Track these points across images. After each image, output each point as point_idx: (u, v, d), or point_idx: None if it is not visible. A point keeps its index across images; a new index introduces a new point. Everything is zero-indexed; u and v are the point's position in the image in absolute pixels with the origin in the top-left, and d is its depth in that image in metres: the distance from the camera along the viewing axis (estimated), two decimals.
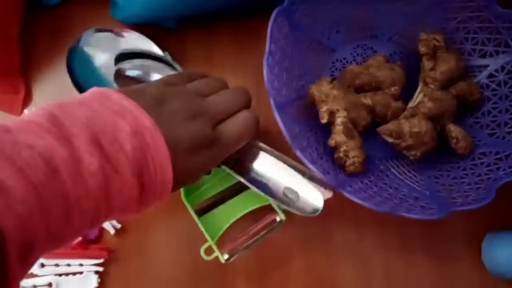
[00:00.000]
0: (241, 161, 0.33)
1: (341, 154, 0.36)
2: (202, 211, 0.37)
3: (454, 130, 0.38)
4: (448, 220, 0.39)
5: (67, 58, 0.37)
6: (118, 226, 0.38)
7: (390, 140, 0.37)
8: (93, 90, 0.25)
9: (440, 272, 0.38)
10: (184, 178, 0.26)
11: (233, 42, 0.42)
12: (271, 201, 0.35)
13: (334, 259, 0.38)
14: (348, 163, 0.36)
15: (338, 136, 0.36)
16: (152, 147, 0.23)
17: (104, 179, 0.22)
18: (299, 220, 0.38)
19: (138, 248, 0.38)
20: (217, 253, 0.35)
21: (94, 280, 0.37)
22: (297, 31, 0.39)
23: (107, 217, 0.24)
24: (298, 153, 0.34)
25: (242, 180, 0.33)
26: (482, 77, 0.40)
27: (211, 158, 0.28)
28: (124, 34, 0.38)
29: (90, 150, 0.21)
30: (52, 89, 0.40)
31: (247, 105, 0.31)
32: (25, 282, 0.36)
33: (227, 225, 0.37)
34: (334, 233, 0.38)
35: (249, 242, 0.36)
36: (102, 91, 0.25)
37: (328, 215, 0.38)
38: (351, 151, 0.36)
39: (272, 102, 0.34)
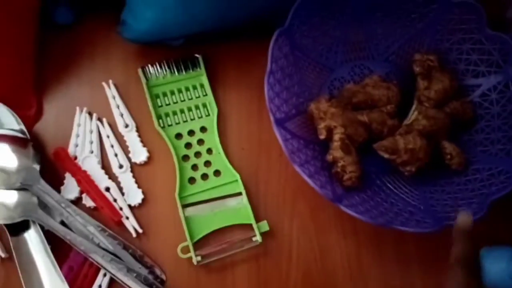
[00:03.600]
0: None
1: (339, 169, 0.37)
2: (189, 212, 0.39)
3: (448, 146, 0.39)
4: (443, 235, 0.40)
5: None
6: (140, 230, 0.38)
7: (385, 156, 0.38)
8: None
9: (435, 285, 0.39)
10: None
11: (236, 60, 0.44)
12: (252, 222, 0.38)
13: (332, 271, 0.39)
14: (345, 177, 0.37)
15: (335, 152, 0.38)
16: None
17: None
18: (298, 232, 0.39)
19: None
20: (192, 253, 0.37)
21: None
22: (297, 51, 0.41)
23: None
24: (296, 167, 0.35)
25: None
26: (475, 96, 0.42)
27: None
28: None
29: None
30: (62, 105, 0.42)
31: None
32: None
33: (208, 231, 0.38)
34: (333, 247, 0.39)
35: (223, 253, 0.37)
36: None
37: (326, 228, 0.40)
38: (348, 166, 0.37)
39: (272, 118, 0.36)
